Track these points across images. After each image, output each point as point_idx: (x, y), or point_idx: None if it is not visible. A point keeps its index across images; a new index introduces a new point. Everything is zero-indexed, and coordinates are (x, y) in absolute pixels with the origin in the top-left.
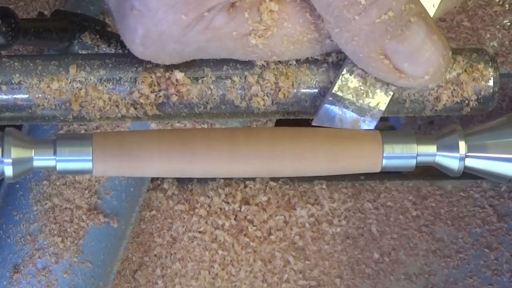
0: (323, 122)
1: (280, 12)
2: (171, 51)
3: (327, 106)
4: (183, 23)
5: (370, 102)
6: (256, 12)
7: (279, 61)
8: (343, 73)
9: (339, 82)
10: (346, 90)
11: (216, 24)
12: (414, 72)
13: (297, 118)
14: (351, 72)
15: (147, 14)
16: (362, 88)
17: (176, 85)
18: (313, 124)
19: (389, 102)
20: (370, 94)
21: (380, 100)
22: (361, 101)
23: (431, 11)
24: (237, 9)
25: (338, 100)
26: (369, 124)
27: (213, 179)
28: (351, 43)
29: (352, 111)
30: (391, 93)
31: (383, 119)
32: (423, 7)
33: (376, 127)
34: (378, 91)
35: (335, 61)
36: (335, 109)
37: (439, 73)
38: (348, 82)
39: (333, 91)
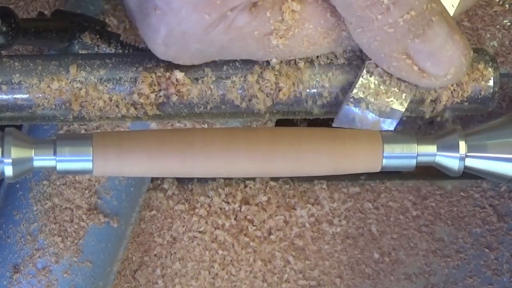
0: (343, 123)
1: (301, 12)
2: (193, 50)
3: (347, 107)
4: (206, 23)
5: (390, 102)
6: (278, 12)
7: (279, 62)
8: (363, 74)
9: (359, 83)
10: (366, 91)
11: (238, 24)
12: (437, 72)
13: (297, 119)
14: (371, 73)
15: (170, 13)
16: (382, 88)
17: (176, 85)
18: (334, 125)
19: (409, 103)
20: (390, 94)
21: (400, 100)
22: (381, 102)
23: (451, 11)
24: (259, 8)
25: (358, 101)
26: (389, 125)
27: (213, 179)
28: (373, 43)
29: (372, 112)
30: (412, 93)
31: None
32: (444, 6)
33: (396, 128)
34: (398, 91)
35: (344, 61)
36: (356, 110)
37: (461, 72)
38: (368, 83)
39: (353, 92)
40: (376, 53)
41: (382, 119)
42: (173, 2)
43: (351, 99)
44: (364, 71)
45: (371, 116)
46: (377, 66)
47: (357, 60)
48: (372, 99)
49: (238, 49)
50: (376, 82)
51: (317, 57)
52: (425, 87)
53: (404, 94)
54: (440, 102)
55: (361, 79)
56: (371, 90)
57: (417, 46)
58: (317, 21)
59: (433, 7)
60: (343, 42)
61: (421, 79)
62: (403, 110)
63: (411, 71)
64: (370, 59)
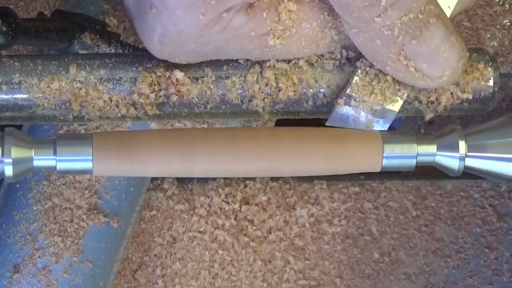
0: (336, 122)
1: (298, 12)
2: (189, 50)
3: (341, 106)
4: (201, 23)
5: (384, 103)
6: (274, 12)
7: (280, 61)
8: (357, 73)
9: (353, 82)
10: (361, 90)
11: (234, 25)
12: (432, 73)
13: (297, 118)
14: (365, 73)
15: (165, 12)
16: (377, 89)
17: (176, 84)
18: (327, 124)
19: (403, 103)
20: (384, 94)
21: (394, 101)
22: (375, 102)
23: (448, 12)
24: (255, 9)
25: (352, 101)
26: (382, 125)
27: (213, 179)
28: (369, 43)
29: (366, 112)
30: (406, 94)
31: None
32: (441, 8)
33: (390, 128)
34: (393, 91)
35: (344, 61)
36: (349, 109)
37: (456, 74)
38: (362, 82)
39: (347, 92)
40: (372, 53)
41: (375, 119)
42: (168, 1)
43: (345, 98)
44: (359, 70)
45: (364, 115)
46: (372, 66)
47: (354, 60)
48: (366, 99)
49: (234, 49)
50: (371, 81)
51: (317, 57)
52: (421, 88)
53: (399, 95)
54: (440, 103)
55: (355, 78)
56: (365, 90)
57: (413, 47)
58: (314, 20)
59: (430, 9)
60: (341, 41)
61: (417, 80)
62: (397, 110)
63: (407, 72)
64: (366, 59)
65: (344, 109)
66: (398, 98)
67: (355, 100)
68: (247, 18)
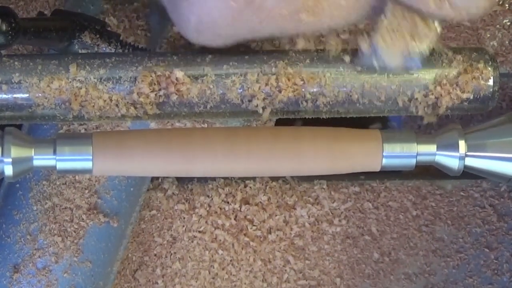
0: (366, 62)
1: None
2: (224, 35)
3: (373, 46)
4: (233, 9)
5: (415, 41)
6: None
7: (279, 61)
8: (386, 15)
9: (381, 25)
10: (390, 31)
11: (267, 5)
12: (464, 3)
13: (297, 118)
14: (394, 13)
15: (198, 2)
16: (407, 27)
17: (176, 83)
18: (356, 65)
19: (434, 41)
20: (415, 33)
21: (425, 38)
22: (405, 41)
23: None
24: None
25: (381, 41)
26: (415, 63)
27: (213, 179)
28: None
29: (397, 51)
30: (436, 31)
31: (383, 118)
32: None
33: (421, 66)
34: (422, 29)
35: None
36: (380, 49)
37: (488, 3)
38: (392, 23)
39: (377, 32)
40: None
41: (407, 58)
42: None
43: (376, 39)
44: (388, 12)
45: (396, 55)
46: (400, 7)
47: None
48: (397, 39)
49: (268, 29)
50: (400, 21)
51: (316, 57)
52: (450, 21)
53: (429, 32)
54: (440, 101)
55: (385, 19)
56: (394, 30)
57: None
58: None
59: None
60: (371, 6)
61: (450, 13)
62: (429, 48)
63: (439, 5)
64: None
65: (376, 49)
66: (429, 35)
67: (384, 40)
68: None
